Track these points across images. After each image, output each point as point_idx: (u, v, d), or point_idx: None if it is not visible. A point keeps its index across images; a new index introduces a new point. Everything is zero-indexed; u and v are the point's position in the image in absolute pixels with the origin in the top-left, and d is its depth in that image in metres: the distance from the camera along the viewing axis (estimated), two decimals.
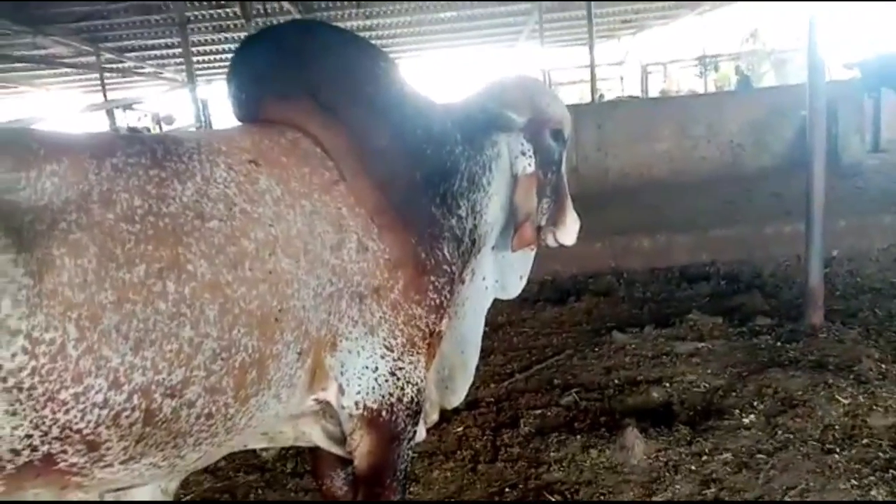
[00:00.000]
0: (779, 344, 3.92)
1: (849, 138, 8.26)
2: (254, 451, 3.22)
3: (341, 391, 1.78)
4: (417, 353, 1.84)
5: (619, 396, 3.52)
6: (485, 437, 3.19)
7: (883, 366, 3.48)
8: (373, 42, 2.03)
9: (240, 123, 1.92)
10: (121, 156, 1.47)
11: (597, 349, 4.13)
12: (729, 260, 5.79)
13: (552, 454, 2.99)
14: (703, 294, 5.11)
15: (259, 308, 1.52)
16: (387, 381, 1.80)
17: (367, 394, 1.79)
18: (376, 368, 1.78)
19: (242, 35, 11.80)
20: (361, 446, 1.86)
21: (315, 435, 1.95)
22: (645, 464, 2.86)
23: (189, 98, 7.96)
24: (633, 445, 2.92)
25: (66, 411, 1.31)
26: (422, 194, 1.85)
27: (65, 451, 1.35)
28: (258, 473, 3.09)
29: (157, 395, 1.40)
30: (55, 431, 1.32)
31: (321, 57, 1.84)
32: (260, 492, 2.96)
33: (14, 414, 1.27)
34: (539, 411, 3.40)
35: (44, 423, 1.30)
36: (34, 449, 1.32)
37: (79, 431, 1.34)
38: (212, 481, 3.05)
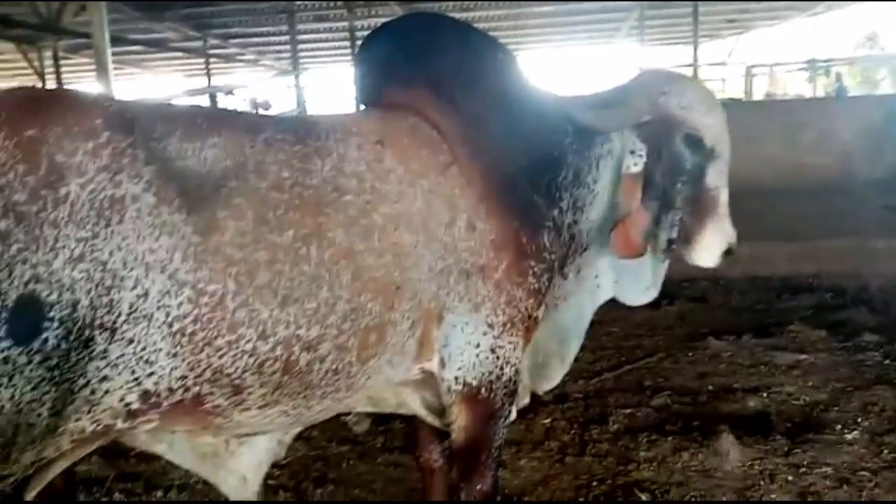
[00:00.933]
0: (887, 362, 3.74)
1: None
2: (345, 424, 3.35)
3: (443, 364, 1.87)
4: (516, 334, 1.90)
5: (712, 402, 3.44)
6: (572, 431, 3.20)
7: None
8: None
9: (363, 108, 2.05)
10: (270, 132, 1.64)
11: (690, 354, 4.05)
12: (834, 272, 5.52)
13: (642, 453, 2.97)
14: (806, 306, 4.91)
15: (384, 277, 1.66)
16: (487, 358, 1.87)
17: (469, 369, 1.87)
18: (478, 345, 1.85)
19: (342, 25, 12.18)
20: (459, 420, 1.94)
21: (415, 404, 2.06)
22: (739, 471, 2.80)
23: (287, 85, 8.25)
24: (727, 451, 2.86)
25: (220, 356, 1.47)
26: (526, 182, 1.91)
27: (212, 393, 1.51)
28: (350, 445, 3.20)
29: (297, 347, 1.55)
30: (207, 374, 1.47)
31: (441, 48, 1.94)
32: (351, 462, 3.08)
33: (174, 356, 1.43)
34: (629, 411, 3.37)
35: (199, 365, 1.46)
36: (187, 389, 1.47)
37: (228, 375, 1.49)
38: (306, 449, 3.19)
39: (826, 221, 6.31)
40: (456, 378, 1.87)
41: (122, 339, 1.37)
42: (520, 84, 1.98)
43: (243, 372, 1.51)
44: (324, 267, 1.57)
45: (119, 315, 1.35)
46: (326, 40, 14.06)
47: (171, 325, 1.40)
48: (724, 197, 2.08)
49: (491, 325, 1.85)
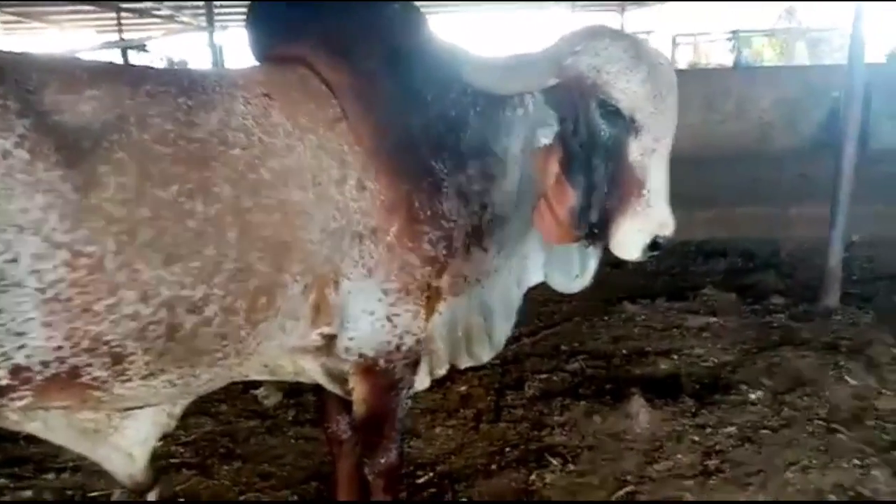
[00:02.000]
0: (792, 324, 3.88)
1: (880, 124, 8.07)
2: (255, 397, 3.25)
3: (339, 332, 1.79)
4: (414, 302, 1.83)
5: (625, 366, 3.50)
6: (488, 398, 3.19)
7: (894, 351, 3.43)
8: None
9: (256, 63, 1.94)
10: (153, 84, 1.55)
11: (606, 318, 4.10)
12: (748, 238, 5.71)
13: (555, 418, 2.98)
14: (718, 270, 5.06)
15: (273, 236, 1.59)
16: (383, 326, 1.81)
17: (365, 339, 1.80)
18: (373, 312, 1.79)
19: None
20: (358, 391, 1.89)
21: (314, 371, 1.97)
22: (648, 433, 2.85)
23: (204, 43, 7.87)
24: (637, 414, 2.90)
25: (99, 323, 1.38)
26: (421, 143, 1.81)
27: (90, 365, 1.42)
28: (259, 419, 3.10)
29: (181, 309, 1.47)
30: (85, 343, 1.39)
31: (331, 1, 1.84)
32: (260, 437, 2.98)
33: (48, 325, 1.34)
34: (544, 376, 3.39)
35: (75, 334, 1.37)
36: (63, 361, 1.38)
37: (107, 344, 1.42)
38: (213, 424, 3.07)
39: (743, 189, 6.50)
40: (351, 347, 1.81)
41: None
42: (418, 40, 1.87)
43: (124, 339, 1.44)
44: (210, 223, 1.49)
45: None
46: None
47: (44, 292, 1.32)
48: (654, 178, 1.75)
49: (385, 292, 1.78)
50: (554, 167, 1.83)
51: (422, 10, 1.95)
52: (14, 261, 1.29)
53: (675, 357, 3.55)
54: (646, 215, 1.75)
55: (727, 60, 16.42)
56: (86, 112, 1.41)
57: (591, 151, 1.78)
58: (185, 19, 14.03)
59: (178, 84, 1.59)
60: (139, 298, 1.42)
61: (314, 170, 1.67)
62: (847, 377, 3.15)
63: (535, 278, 2.19)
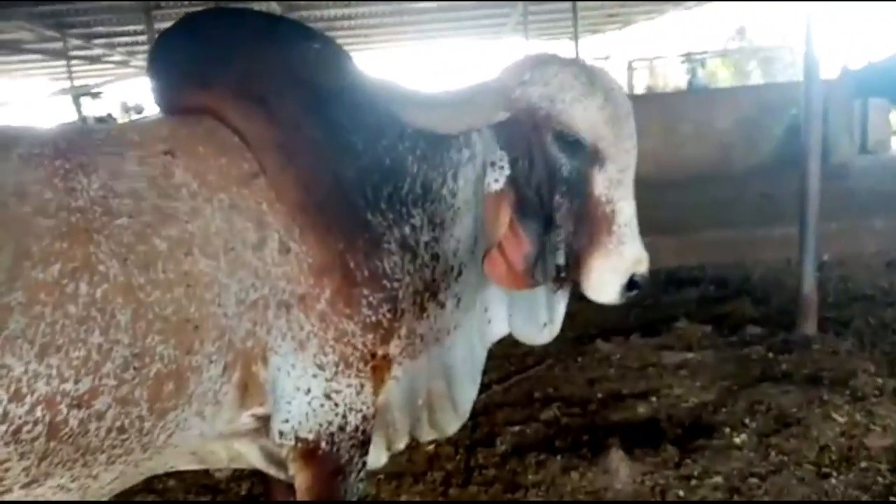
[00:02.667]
0: (770, 355, 3.73)
1: (838, 138, 8.12)
2: (206, 470, 2.97)
3: (273, 415, 1.59)
4: (357, 375, 1.62)
5: (602, 412, 3.30)
6: (458, 457, 2.96)
7: (879, 380, 3.30)
8: (311, 26, 1.79)
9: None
10: (25, 146, 1.38)
11: (580, 359, 3.92)
12: (717, 263, 5.61)
13: (530, 477, 2.77)
14: (691, 299, 4.92)
15: (175, 314, 1.40)
16: (322, 405, 1.60)
17: (302, 421, 1.59)
18: (308, 390, 1.58)
19: None
20: (300, 480, 1.67)
21: (252, 456, 1.76)
22: (630, 488, 2.65)
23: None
24: (617, 468, 2.71)
25: None
26: (354, 195, 1.60)
27: None
28: (210, 495, 2.84)
29: (63, 406, 1.30)
30: None
31: (242, 42, 1.66)
32: None
33: None
34: (517, 428, 3.17)
35: None
36: None
37: None
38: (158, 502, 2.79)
39: (707, 212, 6.43)
40: (286, 431, 1.59)
41: None
42: (342, 81, 1.67)
43: None
44: (95, 306, 1.32)
45: None
46: None
47: None
48: (625, 213, 1.65)
49: (321, 366, 1.57)
50: (506, 213, 1.68)
51: (351, 45, 1.77)
52: None
53: (654, 399, 3.36)
54: (619, 253, 1.65)
55: (684, 83, 16.65)
56: None
57: (549, 190, 1.67)
58: (138, 63, 13.76)
59: (53, 145, 1.40)
60: (9, 397, 1.24)
61: (225, 234, 1.47)
62: (834, 414, 3.00)
63: (499, 331, 2.00)
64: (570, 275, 1.73)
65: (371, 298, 1.58)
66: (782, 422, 3.00)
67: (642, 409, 3.30)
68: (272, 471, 1.76)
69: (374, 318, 1.59)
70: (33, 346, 1.25)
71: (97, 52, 12.41)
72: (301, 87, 1.61)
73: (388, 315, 1.62)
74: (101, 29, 11.53)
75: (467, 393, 1.95)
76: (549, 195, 1.67)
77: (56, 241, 1.30)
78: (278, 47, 1.66)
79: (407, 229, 1.66)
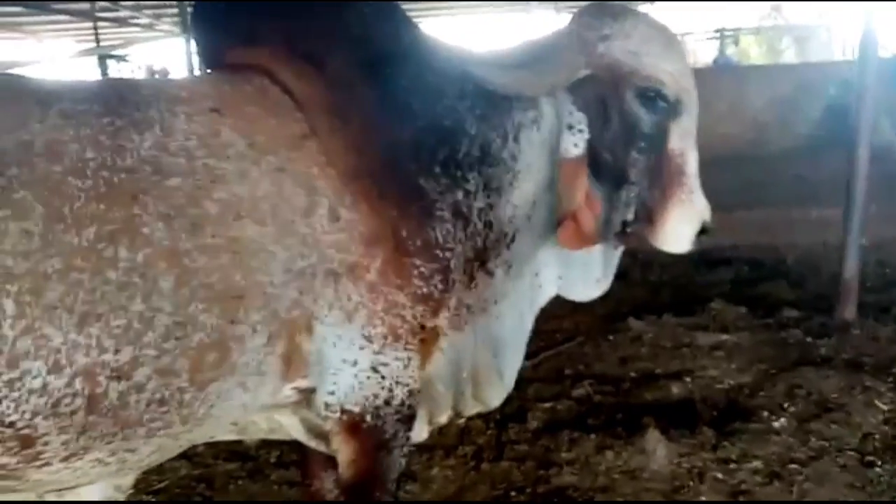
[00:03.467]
0: (809, 339, 3.64)
1: (879, 120, 7.88)
2: None
3: (318, 387, 1.54)
4: (405, 348, 1.56)
5: (635, 391, 3.24)
6: (489, 432, 2.92)
7: None
8: None
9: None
10: (68, 102, 1.29)
11: (611, 337, 3.85)
12: (751, 244, 5.48)
13: (563, 454, 2.72)
14: (724, 280, 4.82)
15: (219, 281, 1.32)
16: (369, 378, 1.54)
17: (348, 393, 1.54)
18: (355, 362, 1.52)
19: None
20: (343, 453, 1.62)
21: (294, 428, 1.72)
22: (667, 470, 2.59)
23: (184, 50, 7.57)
24: (654, 449, 2.65)
25: None
26: (408, 159, 1.53)
27: None
28: (239, 462, 2.82)
29: (102, 377, 1.23)
30: None
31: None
32: (240, 482, 2.70)
33: None
34: (548, 404, 3.12)
35: None
36: None
37: (11, 426, 1.18)
38: (188, 468, 2.79)
39: (741, 192, 6.27)
40: (331, 403, 1.54)
41: None
42: (401, 38, 1.59)
43: (33, 417, 1.19)
44: (136, 272, 1.24)
45: None
46: None
47: None
48: (692, 163, 1.66)
49: (369, 338, 1.51)
50: (584, 180, 1.63)
51: None
52: None
53: (688, 380, 3.30)
54: (691, 203, 1.67)
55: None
56: None
57: (626, 148, 1.63)
58: (165, 27, 13.69)
59: (102, 100, 1.32)
60: (48, 369, 1.17)
61: (273, 199, 1.39)
62: (876, 401, 2.92)
63: (549, 294, 1.94)
64: (640, 229, 1.71)
65: (423, 269, 1.52)
66: (823, 407, 2.93)
67: (676, 390, 3.23)
68: (313, 443, 1.71)
69: (425, 290, 1.53)
70: (73, 314, 1.19)
71: (124, 13, 12.34)
72: (356, 45, 1.52)
73: (440, 286, 1.55)
74: None
75: (514, 363, 1.89)
76: (626, 153, 1.63)
77: (92, 203, 1.22)
78: (332, 2, 1.58)
79: (461, 195, 1.58)
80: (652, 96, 1.60)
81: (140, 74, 12.27)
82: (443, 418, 1.86)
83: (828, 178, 6.37)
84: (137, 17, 12.92)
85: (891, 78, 8.39)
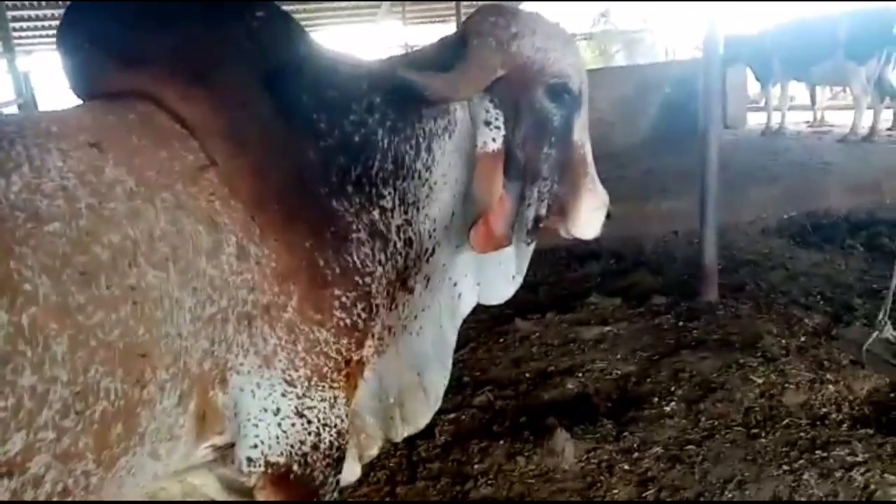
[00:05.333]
0: (680, 323, 3.87)
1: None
2: None
3: (237, 442, 1.40)
4: (331, 387, 1.46)
5: (534, 392, 3.29)
6: (398, 453, 2.84)
7: (783, 341, 3.51)
8: None
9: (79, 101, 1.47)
10: None
11: (501, 339, 3.89)
12: (613, 237, 5.77)
13: (475, 466, 2.70)
14: (594, 274, 5.04)
15: (121, 338, 1.15)
16: (293, 425, 1.42)
17: (271, 444, 1.41)
18: (277, 410, 1.40)
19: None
20: None
21: (210, 488, 1.58)
22: (577, 467, 2.64)
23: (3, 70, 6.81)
24: (562, 449, 2.69)
25: None
26: (317, 181, 1.44)
27: None
28: None
29: None
30: None
31: (177, 9, 1.41)
32: None
33: None
34: (453, 415, 3.09)
35: None
36: None
37: None
38: None
39: None
40: (255, 458, 1.40)
41: None
42: (298, 50, 1.49)
43: None
44: (21, 338, 1.03)
45: None
46: (52, 17, 12.05)
47: None
48: (590, 153, 1.74)
49: (291, 383, 1.39)
50: (500, 176, 1.58)
51: None
52: None
53: (580, 374, 3.40)
54: (596, 191, 1.75)
55: None
56: None
57: (537, 144, 1.62)
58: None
59: None
60: None
61: (173, 239, 1.24)
62: (751, 376, 3.14)
63: (469, 304, 1.92)
64: (550, 223, 1.74)
65: (344, 299, 1.42)
66: (706, 387, 3.11)
67: (571, 385, 3.31)
68: (232, 498, 1.57)
69: (348, 321, 1.43)
70: None
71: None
72: (252, 61, 1.40)
73: (363, 315, 1.47)
74: None
75: (439, 379, 1.84)
76: (538, 149, 1.62)
77: None
78: (216, 15, 1.44)
79: (376, 213, 1.51)
80: (559, 91, 1.61)
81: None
82: (374, 451, 1.78)
83: (672, 171, 6.91)
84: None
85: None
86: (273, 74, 1.42)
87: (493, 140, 1.57)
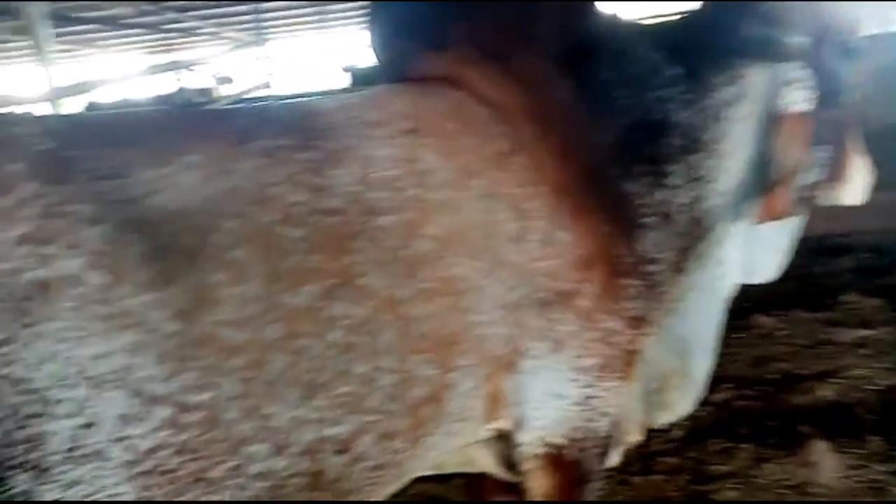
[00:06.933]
0: None
1: None
2: None
3: (518, 423, 1.40)
4: (614, 376, 1.42)
5: (780, 395, 3.01)
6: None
7: None
8: None
9: (387, 84, 1.51)
10: (268, 137, 1.15)
11: (740, 335, 3.61)
12: (868, 229, 5.11)
13: (718, 466, 2.53)
14: (847, 269, 4.50)
15: (436, 328, 1.21)
16: (575, 411, 1.40)
17: (552, 427, 1.40)
18: (562, 395, 1.38)
19: None
20: (540, 487, 1.48)
21: (486, 461, 1.59)
22: (839, 484, 2.38)
23: (254, 57, 7.59)
24: (820, 461, 2.44)
25: (217, 492, 0.99)
26: (613, 162, 1.39)
27: None
28: None
29: (326, 453, 1.12)
30: None
31: None
32: None
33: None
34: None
35: None
36: None
37: None
38: None
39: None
40: (534, 439, 1.41)
41: (57, 482, 0.89)
42: (597, 26, 1.45)
43: None
44: (359, 330, 1.12)
45: (49, 453, 0.88)
46: (291, 8, 13.17)
47: (134, 464, 0.92)
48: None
49: (580, 370, 1.37)
50: (805, 139, 1.50)
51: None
52: (91, 425, 0.90)
53: (836, 381, 3.05)
54: (861, 150, 1.66)
55: None
56: (184, 192, 1.02)
57: (832, 102, 1.53)
58: (230, 34, 13.85)
59: (293, 131, 1.18)
60: (272, 452, 1.05)
61: (485, 228, 1.25)
62: None
63: (731, 284, 1.76)
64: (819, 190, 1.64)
65: (635, 287, 1.38)
66: None
67: (824, 392, 2.99)
68: (505, 475, 1.59)
69: (637, 311, 1.39)
70: (298, 387, 1.07)
71: (190, 24, 12.52)
72: (550, 40, 1.38)
73: (651, 304, 1.42)
74: (194, 2, 11.60)
75: (703, 363, 1.72)
76: (831, 108, 1.53)
77: (309, 255, 1.09)
78: None
79: (664, 193, 1.44)
80: (850, 49, 1.53)
81: (209, 83, 12.36)
82: (634, 437, 1.71)
83: None
84: (202, 27, 13.13)
85: None
86: (573, 53, 1.39)
87: (800, 99, 1.49)
